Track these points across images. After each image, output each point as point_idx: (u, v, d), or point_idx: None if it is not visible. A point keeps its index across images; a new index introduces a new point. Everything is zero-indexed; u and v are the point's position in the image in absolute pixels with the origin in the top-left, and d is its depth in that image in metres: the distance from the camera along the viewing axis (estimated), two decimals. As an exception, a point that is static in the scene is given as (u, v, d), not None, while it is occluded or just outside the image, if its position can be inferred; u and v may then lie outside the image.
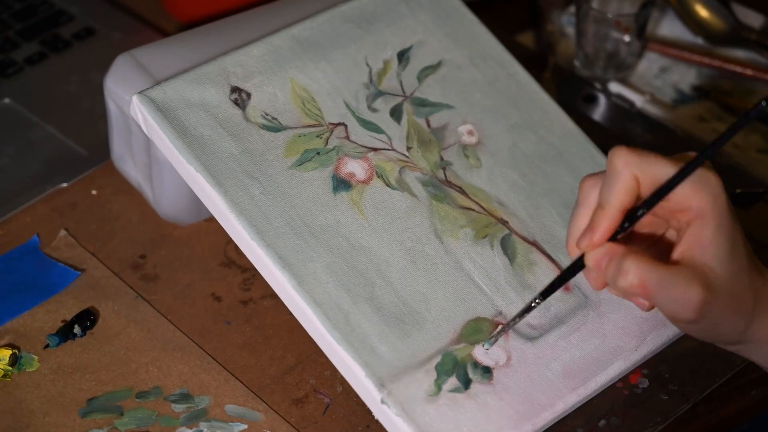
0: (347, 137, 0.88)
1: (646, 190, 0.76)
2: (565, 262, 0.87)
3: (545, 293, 0.80)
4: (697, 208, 0.75)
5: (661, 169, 0.75)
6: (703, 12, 1.12)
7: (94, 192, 0.99)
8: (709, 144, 0.75)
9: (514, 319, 0.82)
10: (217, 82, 0.87)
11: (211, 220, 0.95)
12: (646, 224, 0.79)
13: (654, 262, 0.74)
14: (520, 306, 0.85)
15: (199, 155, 0.84)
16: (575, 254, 0.78)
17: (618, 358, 0.84)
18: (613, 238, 0.76)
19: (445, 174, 0.89)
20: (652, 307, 0.78)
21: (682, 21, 1.12)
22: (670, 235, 0.80)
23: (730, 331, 0.77)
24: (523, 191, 0.90)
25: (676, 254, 0.76)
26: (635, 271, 0.74)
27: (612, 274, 0.75)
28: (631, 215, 0.76)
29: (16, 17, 1.12)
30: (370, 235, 0.85)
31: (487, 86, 0.94)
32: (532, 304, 0.81)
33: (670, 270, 0.74)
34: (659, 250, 0.79)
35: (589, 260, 0.76)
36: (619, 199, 0.75)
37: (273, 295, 0.89)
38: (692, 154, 0.76)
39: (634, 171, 0.75)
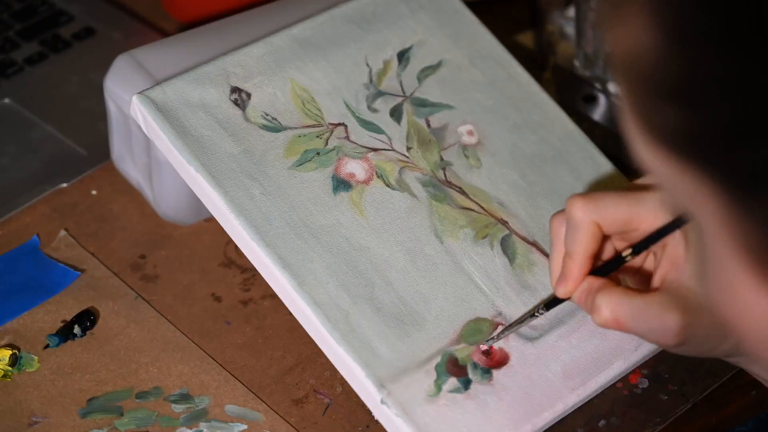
0: (347, 137, 0.88)
1: (610, 229, 0.76)
2: (565, 262, 0.87)
3: (549, 305, 0.81)
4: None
5: (617, 208, 0.76)
6: (703, 12, 1.11)
7: (94, 192, 0.99)
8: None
9: (513, 324, 0.82)
10: (217, 82, 0.87)
11: (211, 220, 0.95)
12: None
13: (627, 293, 0.75)
14: (520, 306, 0.85)
15: (199, 155, 0.84)
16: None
17: (618, 358, 0.84)
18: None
19: (445, 174, 0.89)
20: None
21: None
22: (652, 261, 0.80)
23: (721, 345, 0.76)
24: (523, 191, 0.90)
25: (656, 279, 0.76)
26: (606, 306, 0.74)
27: (588, 310, 0.76)
28: (615, 260, 0.77)
29: (16, 17, 1.12)
30: (370, 235, 0.85)
31: (487, 86, 0.94)
32: (536, 314, 0.81)
33: (645, 300, 0.74)
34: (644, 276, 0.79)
35: (574, 299, 0.78)
36: (583, 248, 0.76)
37: (273, 295, 0.89)
38: (642, 184, 0.77)
39: (593, 218, 0.76)
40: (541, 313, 0.81)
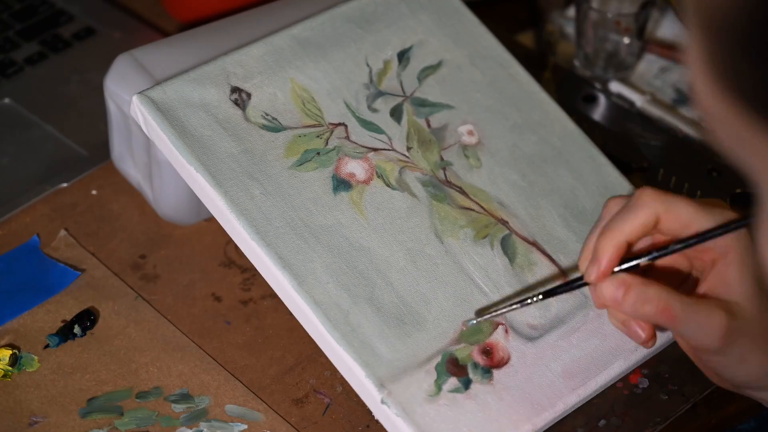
0: (347, 137, 0.88)
1: (666, 226, 0.75)
2: (565, 262, 0.87)
3: (547, 294, 0.80)
4: (720, 247, 0.74)
5: (685, 210, 0.74)
6: (703, 12, 1.11)
7: (94, 192, 0.99)
8: (744, 216, 0.74)
9: (508, 306, 0.81)
10: (217, 82, 0.87)
11: (211, 220, 0.95)
12: (669, 265, 0.79)
13: (676, 291, 0.74)
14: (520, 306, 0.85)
15: (199, 155, 0.84)
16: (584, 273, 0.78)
17: (618, 358, 0.84)
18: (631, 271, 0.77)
19: (445, 174, 0.89)
20: (649, 339, 0.78)
21: (683, 21, 1.12)
22: (693, 276, 0.79)
23: (758, 371, 0.75)
24: (523, 191, 0.90)
25: (700, 290, 0.75)
26: (659, 297, 0.74)
27: (632, 302, 0.74)
28: (656, 250, 0.76)
29: (16, 17, 1.12)
30: (370, 235, 0.85)
31: (487, 86, 0.94)
32: (529, 300, 0.81)
33: (692, 299, 0.74)
34: (683, 291, 0.78)
35: (605, 291, 0.75)
36: (632, 228, 0.75)
37: (273, 295, 0.89)
38: (715, 201, 0.76)
39: (658, 209, 0.74)
40: (534, 300, 0.80)
